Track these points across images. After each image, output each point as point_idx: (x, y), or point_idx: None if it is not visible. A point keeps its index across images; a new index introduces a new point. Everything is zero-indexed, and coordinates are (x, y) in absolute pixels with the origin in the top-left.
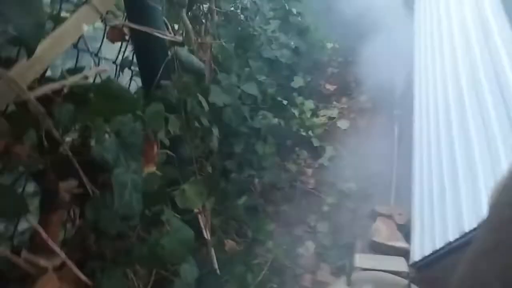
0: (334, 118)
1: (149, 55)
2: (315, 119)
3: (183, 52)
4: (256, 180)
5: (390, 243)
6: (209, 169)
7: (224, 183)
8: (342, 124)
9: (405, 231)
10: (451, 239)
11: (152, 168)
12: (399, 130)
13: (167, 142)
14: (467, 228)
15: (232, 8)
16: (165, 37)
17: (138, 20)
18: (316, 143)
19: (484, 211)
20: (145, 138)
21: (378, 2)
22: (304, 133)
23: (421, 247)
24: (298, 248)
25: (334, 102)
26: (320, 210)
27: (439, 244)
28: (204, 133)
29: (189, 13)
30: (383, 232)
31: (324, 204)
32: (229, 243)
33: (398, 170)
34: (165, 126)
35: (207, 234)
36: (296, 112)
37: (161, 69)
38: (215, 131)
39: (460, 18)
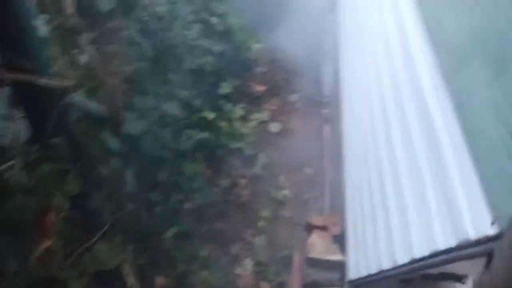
0: (265, 121)
1: (33, 106)
2: (245, 128)
3: (79, 97)
4: (187, 205)
5: (326, 257)
6: (128, 211)
7: (148, 219)
8: (274, 127)
9: (341, 240)
10: (385, 267)
11: (47, 243)
12: (328, 130)
13: (68, 203)
14: (399, 261)
15: (147, 18)
16: (51, 84)
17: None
18: (248, 151)
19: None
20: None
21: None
22: (235, 145)
23: (357, 266)
24: (236, 268)
25: (265, 104)
26: (256, 224)
27: (373, 269)
28: (116, 177)
29: (92, 38)
30: (318, 246)
31: (259, 217)
32: (160, 281)
33: (331, 173)
34: (63, 187)
35: (132, 281)
36: (225, 124)
37: (52, 121)
38: (129, 173)
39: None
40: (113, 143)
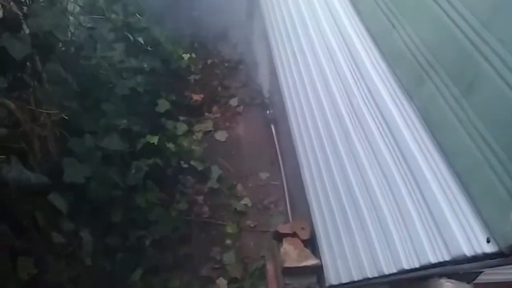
0: (210, 131)
1: None
2: (191, 143)
3: (12, 171)
4: (147, 240)
5: (301, 264)
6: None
7: (110, 266)
8: (220, 135)
9: (312, 243)
10: (369, 275)
11: None
12: (276, 131)
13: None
14: (385, 271)
15: (63, 48)
16: None
17: None
18: (199, 166)
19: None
20: None
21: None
22: (186, 165)
23: (336, 271)
24: None
25: (206, 113)
26: (222, 240)
27: (356, 276)
28: (71, 238)
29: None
30: (291, 253)
31: (224, 232)
32: None
33: (287, 176)
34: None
35: None
36: (171, 145)
37: None
38: (85, 235)
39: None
40: (60, 204)
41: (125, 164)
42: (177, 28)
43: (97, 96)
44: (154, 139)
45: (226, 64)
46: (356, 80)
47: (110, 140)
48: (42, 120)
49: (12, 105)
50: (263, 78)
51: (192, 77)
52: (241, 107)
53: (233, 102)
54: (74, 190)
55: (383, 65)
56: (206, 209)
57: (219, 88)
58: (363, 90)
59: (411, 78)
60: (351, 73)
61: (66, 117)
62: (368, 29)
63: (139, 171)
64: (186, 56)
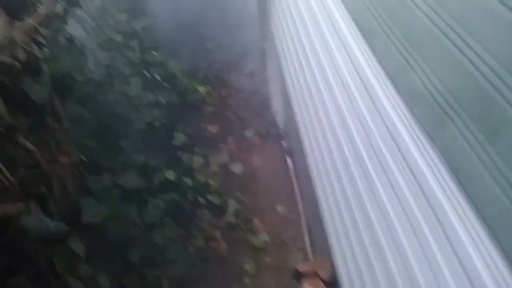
0: (226, 163)
1: None
2: (208, 177)
3: (32, 219)
4: (166, 280)
5: None
6: None
7: None
8: (236, 168)
9: (334, 285)
10: None
11: None
12: (292, 162)
13: None
14: None
15: (82, 86)
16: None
17: None
18: (216, 200)
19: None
20: None
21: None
22: (202, 199)
23: None
24: None
25: (222, 145)
26: (241, 278)
27: None
28: (87, 280)
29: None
30: None
31: (242, 270)
32: None
33: (305, 209)
34: None
35: None
36: (188, 180)
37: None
38: (103, 281)
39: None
40: (78, 249)
41: (142, 201)
42: (193, 60)
43: (115, 133)
44: (171, 174)
45: (241, 95)
46: (373, 116)
47: (128, 177)
48: (61, 160)
49: (32, 147)
50: (278, 108)
51: (207, 109)
52: (257, 138)
53: (248, 133)
54: (92, 230)
55: (401, 103)
56: (223, 244)
57: (234, 119)
58: (381, 127)
59: (431, 119)
60: (368, 110)
61: (83, 157)
62: (383, 67)
63: (156, 208)
64: (201, 89)
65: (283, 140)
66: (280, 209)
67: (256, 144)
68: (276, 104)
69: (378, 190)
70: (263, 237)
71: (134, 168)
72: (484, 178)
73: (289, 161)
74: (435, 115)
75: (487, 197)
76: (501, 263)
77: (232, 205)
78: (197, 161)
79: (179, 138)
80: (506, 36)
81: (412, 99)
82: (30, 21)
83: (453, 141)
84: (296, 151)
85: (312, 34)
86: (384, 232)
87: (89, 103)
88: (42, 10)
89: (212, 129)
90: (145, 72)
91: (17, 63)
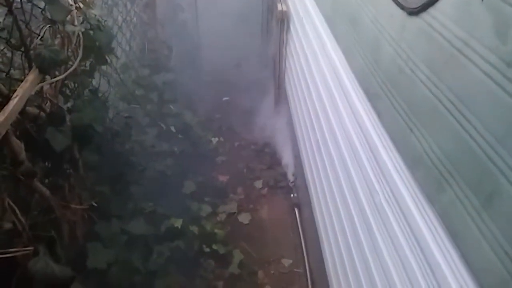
0: (234, 213)
1: None
2: (215, 226)
3: (39, 263)
4: None
5: None
6: None
7: None
8: (243, 218)
9: None
10: None
11: None
12: (300, 215)
13: None
14: None
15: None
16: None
17: None
18: (221, 250)
19: None
20: None
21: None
22: (207, 249)
23: None
24: None
25: (231, 195)
26: None
27: None
28: None
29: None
30: None
31: None
32: None
33: (310, 264)
34: None
35: None
36: (195, 228)
37: None
38: None
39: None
40: None
41: (148, 248)
42: (208, 112)
43: (127, 180)
44: (178, 222)
45: (253, 147)
46: (378, 177)
47: (135, 224)
48: (73, 205)
49: (47, 192)
50: (288, 162)
51: (219, 159)
52: (266, 189)
53: (258, 184)
54: (96, 275)
55: (403, 166)
56: None
57: (245, 170)
58: (385, 188)
59: (430, 182)
60: (372, 170)
61: (95, 203)
62: (387, 130)
63: (161, 255)
64: (214, 140)
65: (292, 193)
66: (286, 262)
67: (265, 195)
68: (287, 158)
69: (381, 249)
70: None
71: (142, 215)
72: (480, 244)
73: (297, 213)
74: (434, 179)
75: (484, 264)
76: None
77: (237, 256)
78: (205, 209)
79: (189, 186)
80: (501, 114)
81: (413, 163)
82: (60, 76)
83: (451, 206)
84: (304, 204)
85: (323, 94)
86: None
87: (106, 151)
88: (72, 66)
89: (223, 178)
90: (161, 124)
91: (42, 114)
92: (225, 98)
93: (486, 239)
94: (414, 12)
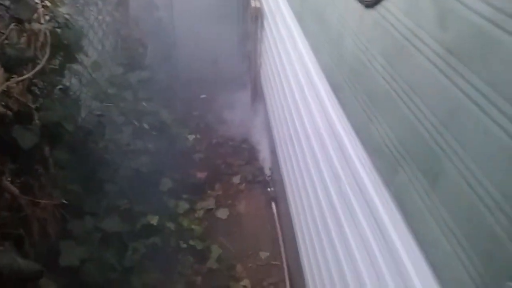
0: (212, 209)
1: None
2: (192, 222)
3: (5, 259)
4: None
5: None
6: None
7: None
8: (221, 213)
9: None
10: None
11: None
12: (277, 209)
13: None
14: None
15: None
16: None
17: None
18: (199, 246)
19: None
20: None
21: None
22: (184, 244)
23: None
24: None
25: (209, 191)
26: None
27: None
28: None
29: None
30: None
31: None
32: None
33: (287, 256)
34: None
35: None
36: (172, 224)
37: None
38: None
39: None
40: None
41: (123, 245)
42: (186, 109)
43: (101, 178)
44: (154, 219)
45: (230, 143)
46: (343, 166)
47: (110, 222)
48: (44, 203)
49: (16, 191)
50: (265, 156)
51: (197, 156)
52: (244, 184)
53: (236, 179)
54: (69, 273)
55: (365, 154)
56: None
57: (223, 166)
58: (348, 175)
59: (387, 167)
60: (338, 159)
61: (65, 201)
62: (350, 121)
63: (136, 252)
64: (191, 137)
65: (269, 187)
66: (263, 255)
67: (243, 190)
68: (264, 152)
69: (347, 234)
70: (244, 284)
71: (117, 213)
72: (428, 221)
73: (274, 207)
74: (389, 164)
75: (431, 239)
76: None
77: (215, 251)
78: (183, 206)
79: (166, 184)
80: (444, 98)
81: (373, 150)
82: (26, 75)
83: (403, 187)
84: (280, 198)
85: (294, 89)
86: (352, 277)
87: (78, 150)
88: (39, 65)
89: (201, 175)
90: (136, 122)
91: (9, 112)
92: (202, 96)
93: (433, 216)
94: (370, 4)
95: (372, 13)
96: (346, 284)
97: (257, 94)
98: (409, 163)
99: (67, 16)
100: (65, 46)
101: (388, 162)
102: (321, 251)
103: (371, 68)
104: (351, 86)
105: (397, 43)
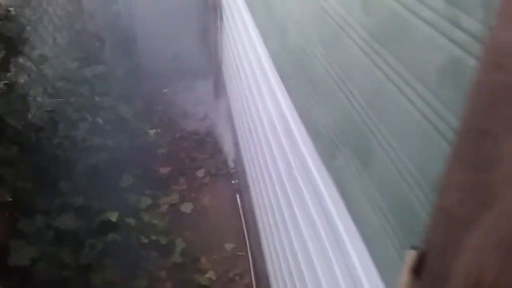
0: (176, 203)
1: None
2: (155, 217)
3: None
4: None
5: None
6: None
7: None
8: (185, 207)
9: None
10: None
11: None
12: (241, 200)
13: None
14: None
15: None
16: None
17: None
18: (163, 240)
19: None
20: None
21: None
22: (146, 240)
23: None
24: None
25: (173, 186)
26: None
27: None
28: None
29: None
30: None
31: None
32: None
33: (251, 246)
34: None
35: None
36: (132, 220)
37: None
38: None
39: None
40: None
41: (78, 242)
42: (148, 104)
43: (54, 175)
44: (113, 216)
45: (194, 137)
46: (292, 152)
47: (64, 219)
48: None
49: None
50: (228, 149)
51: (159, 151)
52: (208, 178)
53: (200, 173)
54: (20, 272)
55: (309, 139)
56: (169, 285)
57: (187, 160)
58: (296, 160)
59: (327, 151)
60: (288, 146)
61: (12, 199)
62: (296, 108)
63: (93, 249)
64: (152, 132)
65: (233, 179)
66: (228, 246)
67: (207, 183)
68: (228, 145)
69: (300, 224)
70: (209, 275)
71: (72, 210)
72: (361, 201)
73: (238, 199)
74: (329, 148)
75: (364, 217)
76: (373, 268)
77: (180, 245)
78: (145, 202)
79: (127, 179)
80: (369, 80)
81: (315, 135)
82: None
83: (341, 170)
84: (244, 190)
85: (250, 80)
86: (306, 265)
87: (28, 147)
88: None
89: (164, 170)
90: (91, 117)
91: None
92: (165, 90)
93: (365, 195)
94: None
95: (311, 1)
96: (298, 264)
97: (220, 86)
98: (345, 146)
99: (8, 8)
100: (7, 39)
101: (328, 146)
102: (278, 238)
103: (312, 56)
104: (296, 74)
105: (332, 30)
